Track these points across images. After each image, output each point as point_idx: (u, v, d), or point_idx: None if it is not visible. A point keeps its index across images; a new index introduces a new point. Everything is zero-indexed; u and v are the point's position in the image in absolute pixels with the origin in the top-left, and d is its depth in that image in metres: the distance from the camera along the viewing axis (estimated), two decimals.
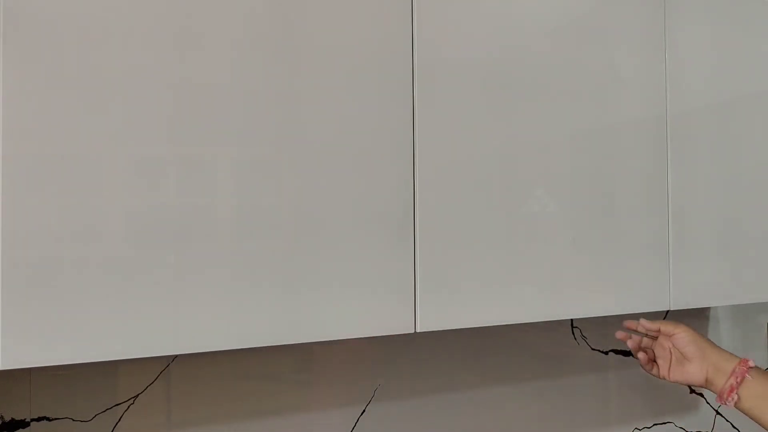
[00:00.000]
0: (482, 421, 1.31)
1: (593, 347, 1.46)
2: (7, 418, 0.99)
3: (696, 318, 1.62)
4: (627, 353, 1.50)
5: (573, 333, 1.44)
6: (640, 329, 0.99)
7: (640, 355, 0.98)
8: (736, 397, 0.90)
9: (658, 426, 1.54)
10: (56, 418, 1.02)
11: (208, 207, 0.80)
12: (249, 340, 0.82)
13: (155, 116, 0.77)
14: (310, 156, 0.85)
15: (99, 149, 0.75)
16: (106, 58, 0.75)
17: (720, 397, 0.92)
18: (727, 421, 1.63)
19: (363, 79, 0.89)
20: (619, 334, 1.00)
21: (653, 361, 0.99)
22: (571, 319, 1.43)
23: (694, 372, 0.94)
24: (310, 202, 0.85)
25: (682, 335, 0.94)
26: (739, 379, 0.90)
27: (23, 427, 1.00)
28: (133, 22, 0.76)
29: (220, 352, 0.80)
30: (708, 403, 1.61)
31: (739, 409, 0.91)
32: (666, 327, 0.96)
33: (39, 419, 1.01)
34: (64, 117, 0.73)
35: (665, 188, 1.16)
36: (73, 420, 1.03)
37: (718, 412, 1.62)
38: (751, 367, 0.91)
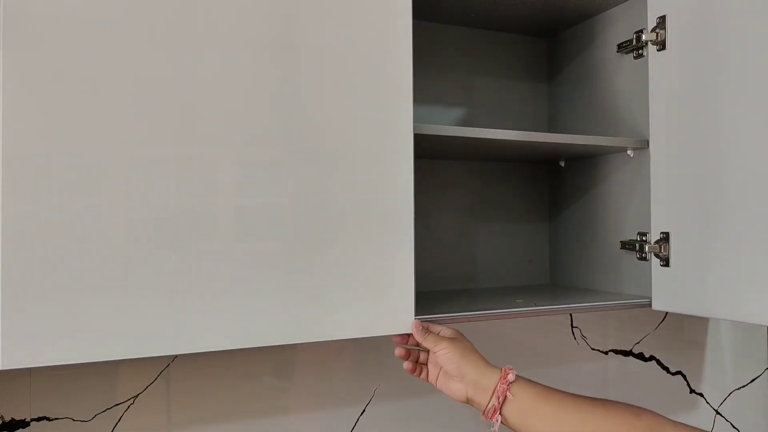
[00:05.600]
0: (482, 421, 1.31)
1: (593, 347, 1.46)
2: (7, 418, 0.99)
3: (695, 317, 1.61)
4: (627, 353, 1.50)
5: (573, 333, 1.44)
6: (410, 343, 0.94)
7: (405, 364, 0.93)
8: (500, 418, 0.86)
9: None
10: (56, 418, 1.02)
11: (208, 207, 0.80)
12: (249, 340, 0.82)
13: (156, 116, 0.77)
14: (310, 156, 0.85)
15: (99, 149, 0.75)
16: (106, 58, 0.75)
17: (484, 415, 0.88)
18: (727, 421, 1.63)
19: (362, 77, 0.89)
20: (398, 351, 0.94)
21: (424, 364, 0.94)
22: (571, 319, 1.43)
23: (456, 389, 0.90)
24: (310, 202, 0.85)
25: (440, 353, 0.89)
26: (501, 399, 0.86)
27: (23, 427, 1.00)
28: (134, 22, 0.77)
29: (220, 352, 0.80)
30: (708, 403, 1.61)
31: (507, 426, 0.87)
32: (428, 343, 0.91)
33: (39, 419, 1.01)
34: (64, 117, 0.73)
35: None
36: (73, 420, 1.03)
37: (718, 412, 1.62)
38: (511, 383, 0.87)
